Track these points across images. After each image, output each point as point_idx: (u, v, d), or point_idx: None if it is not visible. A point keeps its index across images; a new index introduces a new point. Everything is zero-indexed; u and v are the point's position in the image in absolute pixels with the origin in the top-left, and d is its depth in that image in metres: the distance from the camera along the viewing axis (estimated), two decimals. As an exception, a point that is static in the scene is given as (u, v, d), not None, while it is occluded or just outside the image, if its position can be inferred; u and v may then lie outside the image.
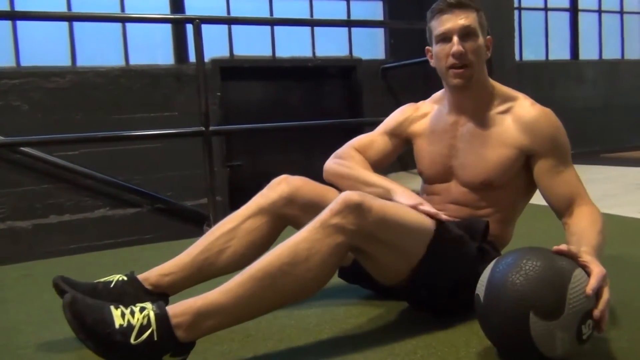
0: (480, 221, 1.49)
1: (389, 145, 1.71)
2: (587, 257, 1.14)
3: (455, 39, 1.46)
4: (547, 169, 1.47)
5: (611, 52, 6.72)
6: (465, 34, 1.47)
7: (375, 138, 1.73)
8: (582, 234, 1.33)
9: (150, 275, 1.46)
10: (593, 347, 1.24)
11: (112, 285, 1.42)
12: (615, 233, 1.64)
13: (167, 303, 1.40)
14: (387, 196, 1.45)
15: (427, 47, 1.59)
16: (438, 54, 1.51)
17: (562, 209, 1.46)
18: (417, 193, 1.73)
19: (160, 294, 1.43)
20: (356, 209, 1.25)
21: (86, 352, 1.34)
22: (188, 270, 1.47)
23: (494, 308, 1.13)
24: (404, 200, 1.45)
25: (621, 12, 6.78)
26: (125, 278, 1.44)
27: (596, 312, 1.08)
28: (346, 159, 1.64)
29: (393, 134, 1.72)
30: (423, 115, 1.70)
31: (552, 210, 1.50)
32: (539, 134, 1.46)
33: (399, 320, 1.50)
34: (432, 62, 1.57)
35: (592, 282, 1.08)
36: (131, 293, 1.40)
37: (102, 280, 1.44)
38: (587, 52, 6.55)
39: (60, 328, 1.53)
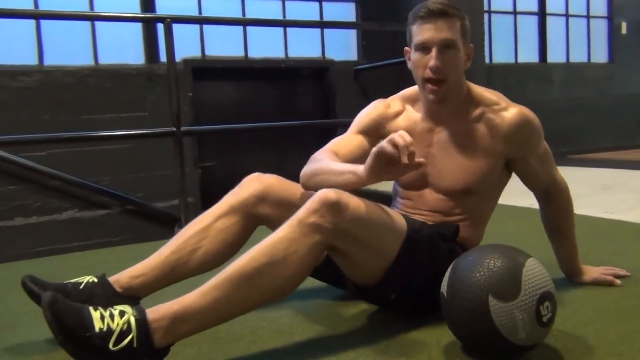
0: (451, 225, 1.51)
1: (364, 144, 1.58)
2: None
3: (434, 51, 1.42)
4: (525, 167, 1.57)
5: (578, 55, 6.86)
6: (445, 46, 1.43)
7: (349, 138, 1.62)
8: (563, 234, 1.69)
9: (121, 278, 1.43)
10: (560, 343, 1.27)
11: (81, 287, 1.39)
12: (581, 233, 1.69)
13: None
14: (357, 179, 1.32)
15: (406, 48, 1.55)
16: (415, 63, 1.48)
17: (539, 194, 1.67)
18: (390, 196, 1.73)
19: (131, 297, 1.41)
20: (333, 207, 1.25)
21: (53, 356, 1.32)
22: (160, 271, 1.45)
23: (456, 299, 1.18)
24: (368, 167, 1.27)
25: (587, 17, 6.93)
26: (96, 280, 1.42)
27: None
28: (316, 160, 1.52)
29: (367, 132, 1.61)
30: (395, 114, 1.62)
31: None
32: (516, 140, 1.49)
33: (371, 321, 1.50)
34: (409, 65, 1.54)
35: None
36: (101, 295, 1.38)
37: (72, 281, 1.42)
38: (555, 55, 6.67)
39: (26, 332, 1.50)
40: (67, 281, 1.41)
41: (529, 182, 1.62)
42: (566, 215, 1.67)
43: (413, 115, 1.60)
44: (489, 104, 1.52)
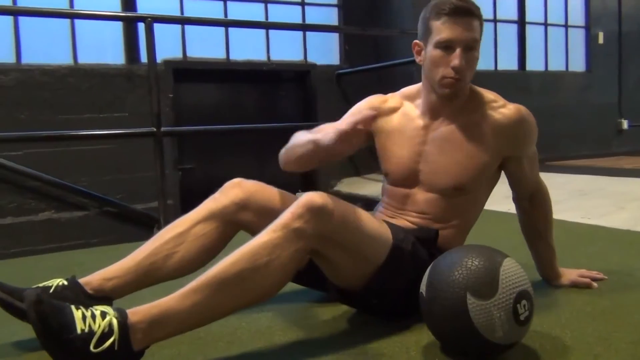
0: (431, 229, 1.50)
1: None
2: None
3: (458, 51, 1.39)
4: (517, 167, 1.58)
5: (556, 64, 6.96)
6: (470, 46, 1.41)
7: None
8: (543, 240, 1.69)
9: (92, 279, 1.40)
10: (537, 344, 1.28)
11: (51, 291, 1.36)
12: (559, 237, 1.71)
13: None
14: (318, 149, 1.36)
15: (415, 41, 1.50)
16: (435, 60, 1.43)
17: (522, 196, 1.67)
18: (376, 200, 1.72)
19: (103, 299, 1.38)
20: (319, 213, 1.23)
21: (29, 356, 1.29)
22: (133, 274, 1.42)
23: (435, 298, 1.19)
24: (329, 140, 1.31)
25: (566, 26, 7.04)
26: (66, 282, 1.38)
27: None
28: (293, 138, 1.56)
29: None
30: (391, 110, 1.61)
31: (511, 189, 1.66)
32: (514, 137, 1.51)
33: (351, 322, 1.50)
34: (419, 60, 1.50)
35: None
36: (71, 298, 1.34)
37: (41, 285, 1.38)
38: (534, 63, 6.76)
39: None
40: (36, 285, 1.38)
41: (518, 184, 1.63)
42: (547, 219, 1.69)
43: (410, 111, 1.59)
44: (487, 102, 1.52)
